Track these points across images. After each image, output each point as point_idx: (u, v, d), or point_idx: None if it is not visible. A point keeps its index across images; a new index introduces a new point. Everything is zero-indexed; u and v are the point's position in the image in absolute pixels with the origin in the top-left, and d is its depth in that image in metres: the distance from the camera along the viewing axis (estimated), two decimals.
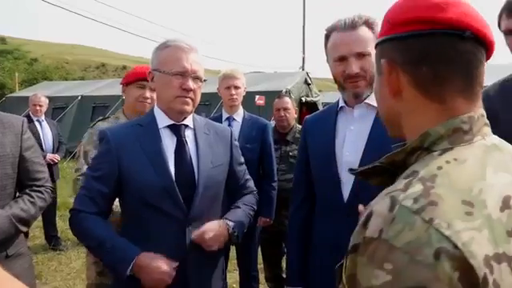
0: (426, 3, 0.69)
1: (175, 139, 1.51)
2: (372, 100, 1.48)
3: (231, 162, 1.63)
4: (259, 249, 3.33)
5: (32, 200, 1.70)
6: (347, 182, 1.43)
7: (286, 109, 3.35)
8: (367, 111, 1.48)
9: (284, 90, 9.10)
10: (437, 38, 0.67)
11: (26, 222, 1.67)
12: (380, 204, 0.60)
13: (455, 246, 0.53)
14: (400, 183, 0.62)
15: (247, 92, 3.03)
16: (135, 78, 2.30)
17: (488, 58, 0.71)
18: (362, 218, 0.61)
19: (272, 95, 5.81)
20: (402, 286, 0.53)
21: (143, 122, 1.55)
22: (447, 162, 0.63)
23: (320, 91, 11.93)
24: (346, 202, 1.42)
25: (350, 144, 1.46)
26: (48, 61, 27.12)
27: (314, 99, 11.40)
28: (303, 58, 20.28)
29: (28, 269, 1.75)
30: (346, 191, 1.43)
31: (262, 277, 3.60)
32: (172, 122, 1.51)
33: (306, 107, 10.94)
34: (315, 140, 1.58)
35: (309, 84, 11.53)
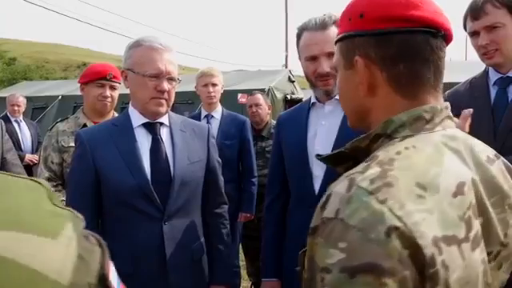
0: (401, 1, 0.69)
1: (150, 137, 1.51)
2: (341, 98, 1.53)
3: (208, 158, 1.62)
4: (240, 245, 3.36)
5: None
6: (319, 175, 1.48)
7: (257, 105, 3.41)
8: (337, 107, 1.53)
9: (267, 88, 9.13)
10: (414, 35, 0.69)
11: None
12: (339, 185, 0.61)
13: (405, 226, 0.55)
14: (360, 166, 0.64)
15: (230, 90, 3.07)
16: (94, 78, 2.25)
17: None
18: (321, 200, 0.63)
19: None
20: (355, 263, 0.55)
21: (118, 121, 1.55)
22: (406, 148, 0.65)
23: (303, 88, 11.96)
24: (316, 195, 1.47)
25: (322, 138, 1.51)
26: (28, 60, 26.56)
27: (299, 96, 11.44)
28: (286, 56, 20.36)
29: None
30: (317, 184, 1.48)
31: (244, 273, 3.64)
32: (147, 121, 1.51)
33: (290, 105, 10.96)
34: (288, 135, 1.62)
35: (292, 81, 11.56)
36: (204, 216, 1.63)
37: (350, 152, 0.74)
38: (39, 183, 0.44)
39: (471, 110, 1.20)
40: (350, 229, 0.56)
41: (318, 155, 0.83)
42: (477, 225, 0.62)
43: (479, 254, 0.62)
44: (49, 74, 25.21)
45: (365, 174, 0.61)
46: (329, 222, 0.59)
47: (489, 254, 0.66)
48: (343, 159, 0.76)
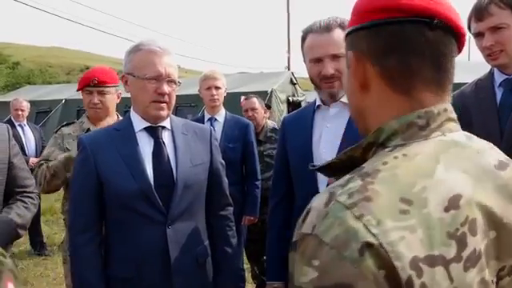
0: None
1: (152, 141, 1.51)
2: (347, 99, 1.52)
3: (212, 160, 1.62)
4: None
5: (26, 205, 1.70)
6: (324, 179, 1.46)
7: (253, 109, 3.43)
8: (342, 109, 1.52)
9: (270, 91, 9.14)
10: (404, 26, 0.63)
11: (24, 228, 1.65)
12: (319, 199, 0.58)
13: (380, 245, 0.51)
14: (344, 179, 0.60)
15: (233, 93, 3.06)
16: (82, 85, 2.24)
17: (460, 49, 0.68)
18: (302, 214, 0.59)
19: (258, 96, 5.83)
20: (328, 283, 0.51)
21: (120, 126, 1.55)
22: (395, 157, 0.59)
23: (306, 90, 11.98)
24: None
25: (327, 141, 1.50)
26: (31, 64, 26.67)
27: (300, 99, 11.46)
28: (288, 58, 20.39)
29: None
30: (322, 187, 1.46)
31: (248, 276, 3.63)
32: (148, 125, 1.51)
33: (293, 107, 10.98)
34: (293, 138, 1.61)
35: (294, 84, 11.59)
36: (209, 218, 1.63)
37: (346, 161, 0.67)
38: None
39: None
40: (323, 246, 0.52)
41: (312, 165, 0.77)
42: (475, 242, 0.56)
43: (475, 275, 0.56)
44: (52, 78, 25.32)
45: (345, 187, 0.57)
46: (305, 237, 0.55)
47: (501, 269, 0.60)
48: (340, 169, 0.68)
